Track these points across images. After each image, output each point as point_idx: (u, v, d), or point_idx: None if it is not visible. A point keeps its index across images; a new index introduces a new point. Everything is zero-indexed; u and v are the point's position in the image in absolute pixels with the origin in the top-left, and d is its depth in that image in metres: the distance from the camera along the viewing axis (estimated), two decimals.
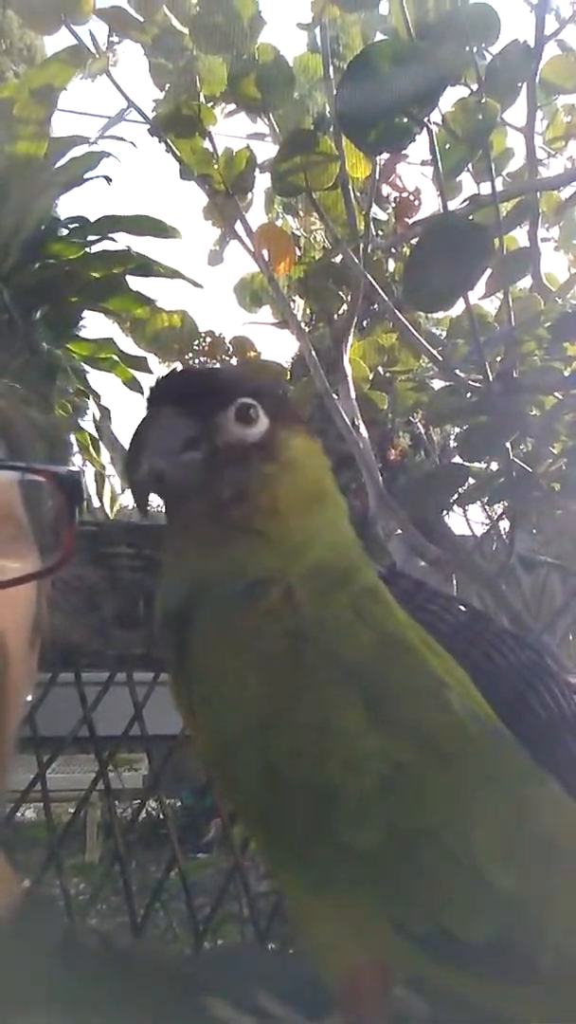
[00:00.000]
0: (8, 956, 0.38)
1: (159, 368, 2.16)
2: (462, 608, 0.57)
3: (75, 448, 2.06)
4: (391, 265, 2.12)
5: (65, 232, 1.91)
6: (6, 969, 0.38)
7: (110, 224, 1.89)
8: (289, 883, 0.36)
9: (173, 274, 2.03)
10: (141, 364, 2.15)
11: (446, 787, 0.33)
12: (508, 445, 1.61)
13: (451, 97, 1.42)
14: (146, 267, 1.97)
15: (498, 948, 0.32)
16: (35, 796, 0.74)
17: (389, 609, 0.37)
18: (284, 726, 0.33)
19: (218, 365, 2.20)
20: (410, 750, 0.32)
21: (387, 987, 0.33)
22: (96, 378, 2.18)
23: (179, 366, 2.16)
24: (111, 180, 1.83)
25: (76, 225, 1.89)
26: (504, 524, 1.99)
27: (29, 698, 0.43)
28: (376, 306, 2.33)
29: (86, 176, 1.79)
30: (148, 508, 0.39)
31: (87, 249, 1.91)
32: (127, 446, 0.37)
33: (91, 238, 1.91)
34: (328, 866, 0.33)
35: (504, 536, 1.98)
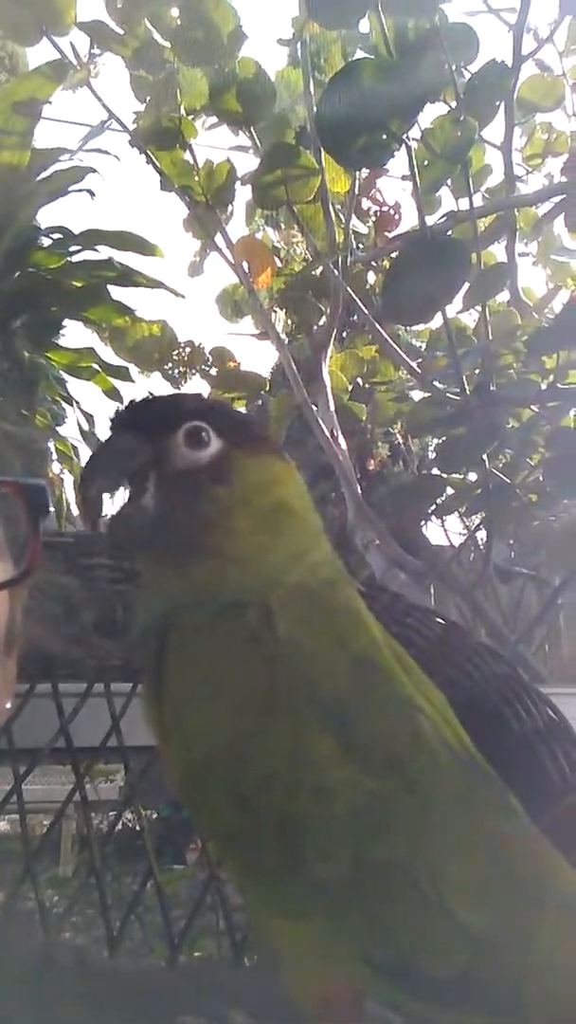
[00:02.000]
0: None
1: (140, 378, 2.16)
2: (439, 621, 0.57)
3: (54, 457, 2.05)
4: (371, 278, 2.14)
5: (47, 242, 1.91)
6: None
7: (93, 238, 1.89)
8: (258, 906, 0.36)
9: (155, 284, 2.03)
10: (122, 373, 2.15)
11: (415, 820, 0.33)
12: (486, 456, 1.62)
13: (430, 114, 1.44)
14: (128, 277, 1.98)
15: (465, 984, 0.32)
16: (9, 808, 0.73)
17: (365, 630, 0.37)
18: (254, 753, 0.32)
19: (196, 375, 2.20)
20: (380, 780, 0.32)
21: (359, 1009, 0.33)
22: (76, 387, 2.18)
23: (158, 375, 2.16)
24: (94, 194, 1.83)
25: (58, 236, 1.89)
26: (481, 535, 2.00)
27: (8, 705, 0.43)
28: (356, 318, 2.35)
29: (70, 189, 1.79)
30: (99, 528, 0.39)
31: (68, 259, 1.91)
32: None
33: (72, 248, 1.91)
34: (295, 893, 0.33)
35: (481, 547, 2.00)
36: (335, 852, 0.32)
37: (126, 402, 0.40)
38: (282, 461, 0.40)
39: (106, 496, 0.37)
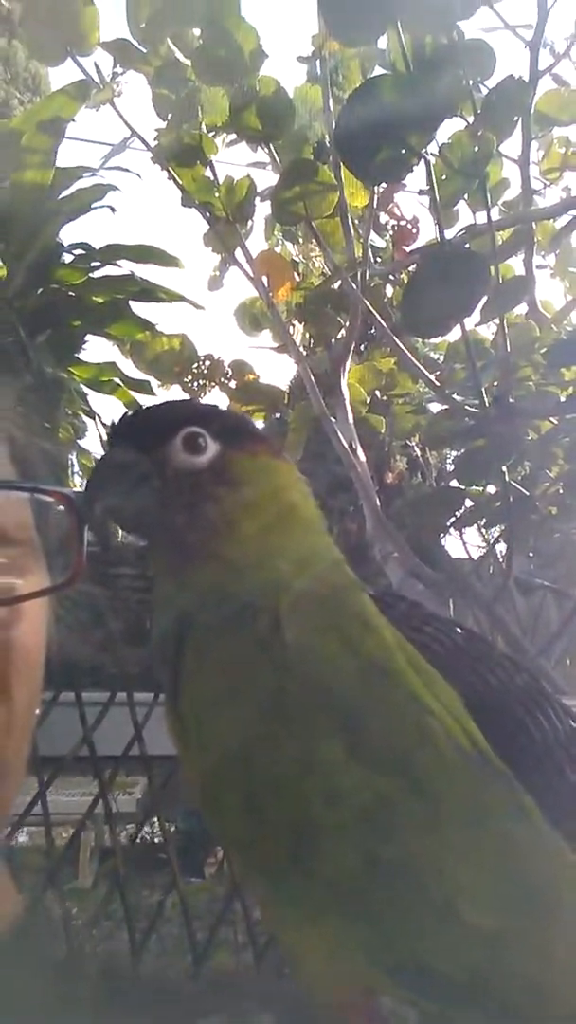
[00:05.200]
0: (8, 973, 0.38)
1: (160, 391, 2.18)
2: (459, 630, 0.58)
3: (76, 468, 2.07)
4: (389, 291, 2.15)
5: (69, 258, 1.94)
6: (5, 986, 0.38)
7: (114, 252, 1.92)
8: (273, 909, 0.36)
9: (175, 297, 2.05)
10: (143, 387, 2.17)
11: (424, 821, 0.32)
12: (505, 469, 1.62)
13: (448, 129, 1.45)
14: (149, 292, 2.00)
15: (478, 984, 0.31)
16: (30, 820, 0.74)
17: (375, 632, 0.36)
18: (264, 757, 0.33)
19: (216, 388, 2.22)
20: (389, 782, 0.32)
21: (375, 1010, 0.33)
22: (98, 401, 2.21)
23: (178, 388, 2.18)
24: (115, 210, 1.86)
25: (80, 252, 1.92)
26: (501, 547, 2.00)
27: (38, 712, 0.44)
28: (374, 331, 2.36)
29: (92, 206, 1.82)
30: (111, 542, 0.40)
31: (90, 275, 1.94)
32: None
33: (94, 264, 1.94)
34: (307, 896, 0.33)
35: (501, 559, 1.99)
36: (345, 854, 0.32)
37: (119, 415, 0.40)
38: (282, 461, 0.40)
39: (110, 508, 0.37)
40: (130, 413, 0.39)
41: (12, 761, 0.37)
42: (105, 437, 0.39)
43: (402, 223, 2.00)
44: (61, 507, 0.39)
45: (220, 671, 0.34)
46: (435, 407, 2.13)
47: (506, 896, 0.33)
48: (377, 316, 1.82)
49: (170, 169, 1.82)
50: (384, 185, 1.89)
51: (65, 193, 1.83)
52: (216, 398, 2.18)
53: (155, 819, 0.87)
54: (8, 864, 0.43)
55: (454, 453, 2.27)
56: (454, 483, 1.88)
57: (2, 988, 0.38)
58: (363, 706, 0.34)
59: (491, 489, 1.89)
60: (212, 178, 1.83)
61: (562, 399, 1.68)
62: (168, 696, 0.36)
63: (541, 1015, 0.32)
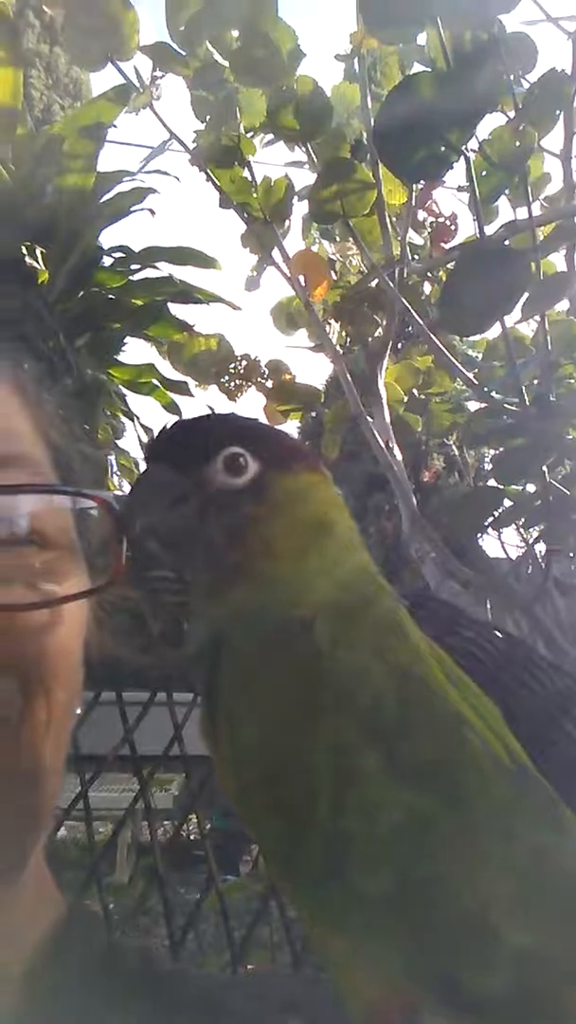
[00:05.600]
0: (52, 971, 0.39)
1: (197, 391, 2.19)
2: (499, 635, 0.57)
3: (115, 469, 2.10)
4: (427, 289, 2.13)
5: (109, 262, 1.96)
6: (51, 984, 0.38)
7: (152, 255, 1.94)
8: (308, 918, 0.36)
9: (213, 298, 2.07)
10: (181, 388, 2.19)
11: (458, 836, 0.32)
12: (544, 468, 1.60)
13: (488, 124, 1.44)
14: (186, 293, 2.02)
15: (514, 1000, 0.31)
16: (72, 815, 0.75)
17: (409, 643, 0.36)
18: (299, 771, 0.33)
19: (252, 387, 2.22)
20: (423, 796, 0.32)
21: (414, 1021, 0.33)
22: (136, 402, 2.23)
23: (215, 388, 2.19)
24: (154, 213, 1.88)
25: (120, 255, 1.94)
26: (540, 548, 1.97)
27: (78, 710, 0.45)
28: (411, 329, 2.34)
29: (131, 209, 1.84)
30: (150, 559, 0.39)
31: (129, 278, 1.96)
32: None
33: (133, 267, 1.96)
34: (341, 908, 0.33)
35: (540, 560, 1.96)
36: (378, 868, 0.32)
37: (160, 430, 0.40)
38: (318, 476, 0.40)
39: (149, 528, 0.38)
40: (170, 428, 0.40)
41: (51, 762, 0.38)
42: (145, 451, 0.39)
43: (440, 220, 1.99)
44: (99, 510, 0.39)
45: (255, 686, 0.34)
46: (473, 405, 2.11)
47: (545, 912, 0.32)
48: (415, 314, 1.80)
49: (208, 171, 1.83)
50: (422, 182, 1.88)
51: (105, 197, 1.85)
52: (252, 398, 2.19)
53: (192, 817, 0.87)
54: (48, 862, 0.44)
55: (492, 452, 2.25)
56: (492, 482, 1.86)
57: (46, 987, 0.38)
58: (398, 720, 0.33)
59: (530, 488, 1.86)
60: (250, 179, 1.83)
61: None
62: (203, 710, 0.36)
63: None
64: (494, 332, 1.78)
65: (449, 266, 1.77)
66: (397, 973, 0.32)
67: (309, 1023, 0.37)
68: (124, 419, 2.19)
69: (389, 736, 0.33)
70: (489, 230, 1.56)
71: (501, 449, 1.81)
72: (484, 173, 1.47)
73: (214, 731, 0.35)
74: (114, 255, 1.96)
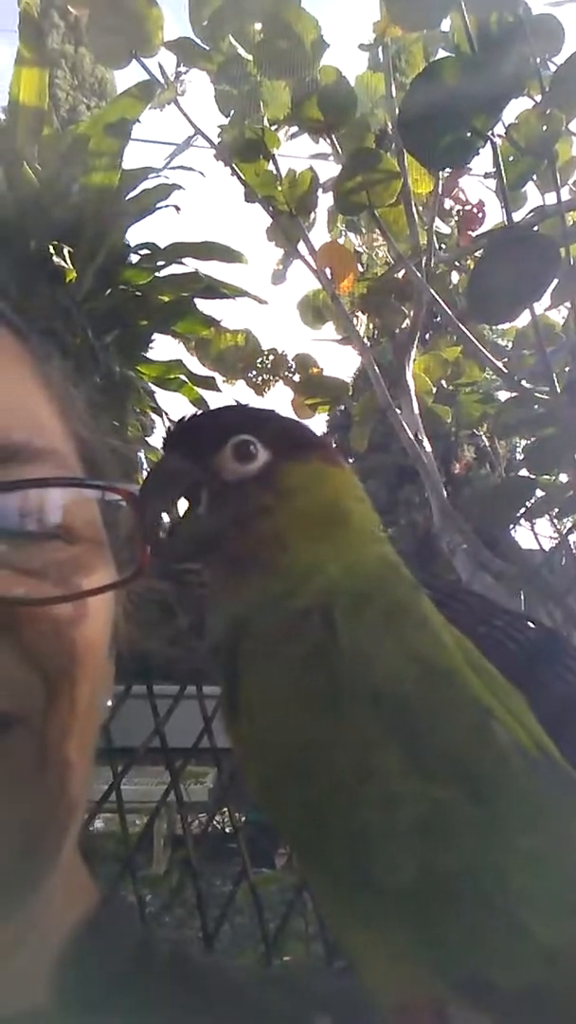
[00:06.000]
0: (84, 961, 0.39)
1: (225, 386, 2.20)
2: (531, 625, 0.56)
3: (145, 466, 2.11)
4: (454, 278, 2.11)
5: (135, 259, 1.97)
6: (82, 975, 0.39)
7: (178, 251, 1.95)
8: (333, 913, 0.36)
9: (239, 292, 2.07)
10: (209, 383, 2.19)
11: (484, 827, 0.31)
12: None
13: (515, 109, 1.41)
14: (213, 288, 2.02)
15: (541, 997, 0.30)
16: (106, 807, 0.76)
17: (433, 634, 0.35)
18: (320, 763, 0.32)
19: (280, 382, 2.22)
20: (447, 788, 0.31)
21: (441, 1018, 0.32)
22: (165, 398, 2.24)
23: (242, 383, 2.19)
24: (180, 209, 1.89)
25: (146, 252, 1.95)
26: (574, 538, 1.94)
27: (109, 703, 0.45)
28: (439, 319, 2.32)
29: (157, 205, 1.85)
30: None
31: (156, 274, 1.97)
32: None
33: (159, 263, 1.97)
34: (364, 902, 0.32)
35: (573, 550, 1.93)
36: (402, 862, 0.31)
37: (174, 422, 0.40)
38: (333, 465, 0.39)
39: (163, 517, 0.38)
40: (184, 419, 0.40)
41: (76, 758, 0.38)
42: (161, 443, 0.39)
43: (467, 208, 1.96)
44: (126, 503, 0.39)
45: (274, 678, 0.34)
46: (503, 395, 2.09)
47: (572, 906, 0.32)
48: (442, 304, 1.79)
49: (233, 165, 1.83)
50: (449, 170, 1.85)
51: (131, 194, 1.86)
52: (280, 392, 2.19)
53: (225, 810, 0.88)
54: (83, 852, 0.44)
55: (524, 442, 2.22)
56: (524, 472, 1.84)
57: (78, 978, 0.39)
58: (420, 711, 0.33)
59: (563, 478, 1.83)
60: (275, 172, 1.83)
61: None
62: (224, 702, 0.36)
63: None
64: (523, 320, 1.76)
65: (477, 254, 1.75)
66: (425, 971, 0.32)
67: (340, 1020, 0.36)
68: (153, 415, 2.20)
69: (410, 727, 0.32)
70: (517, 217, 1.54)
71: (532, 439, 1.78)
72: (511, 159, 1.45)
73: (235, 723, 0.35)
74: (140, 252, 1.97)
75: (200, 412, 0.41)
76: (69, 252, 1.74)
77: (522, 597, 2.07)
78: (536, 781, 0.33)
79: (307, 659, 0.33)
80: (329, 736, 0.32)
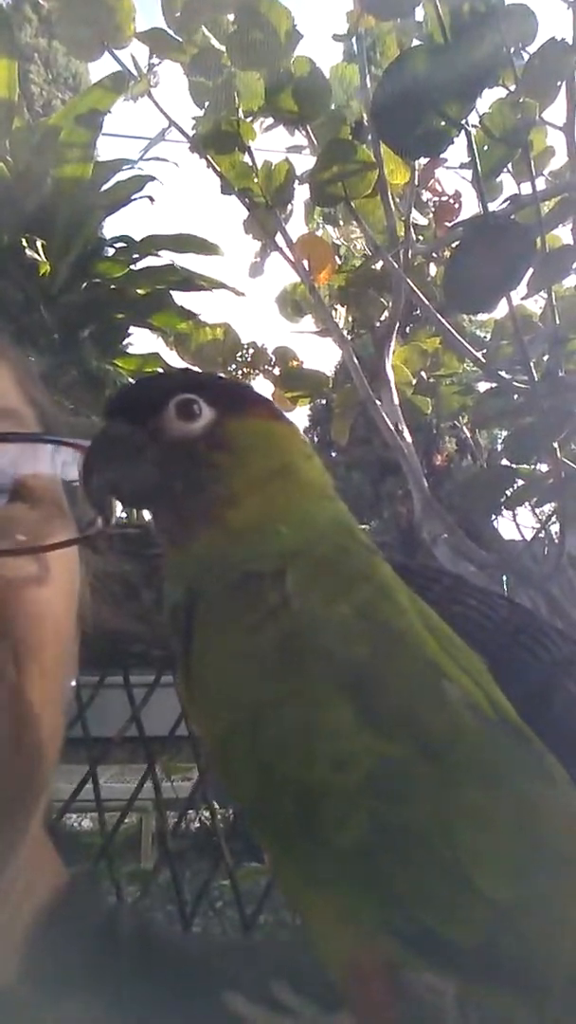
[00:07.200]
0: (51, 936, 0.39)
1: None
2: (503, 602, 0.56)
3: None
4: (432, 270, 2.11)
5: (111, 252, 1.96)
6: (49, 948, 0.39)
7: (154, 243, 1.93)
8: (285, 876, 0.36)
9: (216, 285, 2.06)
10: None
11: (434, 788, 0.32)
12: (556, 445, 1.58)
13: (489, 98, 1.42)
14: (189, 280, 2.01)
15: (490, 954, 0.31)
16: (92, 805, 0.75)
17: (387, 595, 0.35)
18: (272, 723, 0.32)
19: (260, 375, 2.22)
20: (398, 747, 0.32)
21: (391, 979, 0.32)
22: None
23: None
24: (154, 200, 1.87)
25: (122, 244, 1.94)
26: (554, 526, 1.95)
27: (73, 683, 0.45)
28: (418, 311, 2.33)
29: (131, 197, 1.84)
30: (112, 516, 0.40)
31: (132, 267, 1.96)
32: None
33: (135, 256, 1.96)
34: (316, 862, 0.32)
35: (555, 538, 1.94)
36: (353, 819, 0.31)
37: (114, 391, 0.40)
38: (281, 423, 0.39)
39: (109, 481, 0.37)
40: (125, 386, 0.40)
41: (47, 722, 0.38)
42: (103, 413, 0.39)
43: (444, 198, 1.97)
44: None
45: (228, 639, 0.34)
46: (483, 386, 2.10)
47: (524, 864, 0.32)
48: (421, 295, 1.79)
49: (208, 157, 1.82)
50: (424, 161, 1.86)
51: (105, 186, 1.85)
52: (261, 386, 2.19)
53: (206, 801, 0.87)
54: (53, 837, 0.44)
55: (503, 432, 2.23)
56: (504, 462, 1.85)
57: (46, 953, 0.38)
58: (373, 670, 0.33)
59: (542, 467, 1.84)
60: (250, 164, 1.82)
61: None
62: (179, 665, 0.36)
63: (557, 988, 0.30)
64: (501, 311, 1.77)
65: (454, 245, 1.75)
66: (374, 927, 0.32)
67: (292, 986, 0.36)
68: None
69: (363, 688, 0.32)
70: (493, 206, 1.54)
71: (512, 428, 1.79)
72: (486, 148, 1.45)
73: (189, 685, 0.35)
74: (115, 245, 1.96)
75: (138, 379, 0.41)
76: (43, 245, 1.72)
77: (504, 586, 2.08)
78: (488, 739, 0.33)
79: (260, 621, 0.33)
80: (281, 695, 0.32)
